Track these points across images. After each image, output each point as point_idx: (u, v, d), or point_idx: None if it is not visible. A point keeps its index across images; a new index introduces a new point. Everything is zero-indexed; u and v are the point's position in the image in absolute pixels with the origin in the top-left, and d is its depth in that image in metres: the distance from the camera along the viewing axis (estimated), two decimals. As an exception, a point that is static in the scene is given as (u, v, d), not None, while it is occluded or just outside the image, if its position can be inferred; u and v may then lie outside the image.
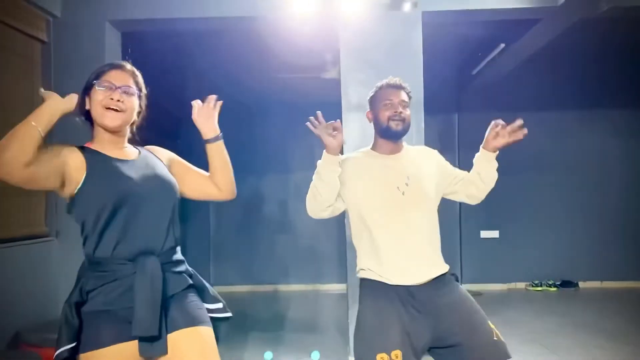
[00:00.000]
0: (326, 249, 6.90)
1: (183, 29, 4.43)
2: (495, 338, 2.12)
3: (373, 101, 2.32)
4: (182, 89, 5.96)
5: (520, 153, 6.74)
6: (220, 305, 1.87)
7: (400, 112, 2.23)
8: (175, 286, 1.74)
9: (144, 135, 1.95)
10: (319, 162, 2.20)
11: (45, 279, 3.80)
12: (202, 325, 1.76)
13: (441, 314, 2.11)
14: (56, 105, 1.64)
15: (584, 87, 6.69)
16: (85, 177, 1.67)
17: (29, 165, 1.55)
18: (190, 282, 1.81)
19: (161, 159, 1.90)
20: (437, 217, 2.28)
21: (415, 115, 4.00)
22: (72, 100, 1.67)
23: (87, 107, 1.77)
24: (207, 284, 1.89)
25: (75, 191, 1.68)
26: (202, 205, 6.85)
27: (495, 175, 2.32)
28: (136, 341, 1.66)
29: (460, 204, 6.82)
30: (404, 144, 2.35)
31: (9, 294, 3.38)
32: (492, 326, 2.15)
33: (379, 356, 2.06)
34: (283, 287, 6.93)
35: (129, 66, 1.83)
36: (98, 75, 1.77)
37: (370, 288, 2.18)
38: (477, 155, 2.32)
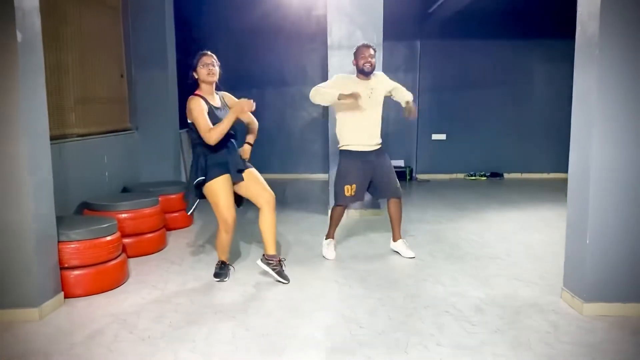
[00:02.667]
0: (313, 148, 8.94)
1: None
2: (397, 186, 4.32)
3: (355, 55, 4.23)
4: (201, 18, 7.74)
5: (466, 74, 8.71)
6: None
7: (369, 60, 4.16)
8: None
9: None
10: (334, 92, 4.04)
11: (129, 158, 5.80)
12: (253, 168, 3.85)
13: (377, 168, 4.24)
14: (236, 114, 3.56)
15: (519, 21, 8.50)
16: (209, 112, 3.58)
17: None
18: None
19: (227, 103, 3.77)
20: (381, 113, 4.32)
21: (377, 52, 5.86)
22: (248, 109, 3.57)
23: (196, 76, 3.66)
24: None
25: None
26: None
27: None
28: (229, 175, 3.68)
29: (419, 115, 8.87)
30: (371, 75, 4.28)
31: (112, 166, 5.37)
32: (397, 182, 4.35)
33: (345, 186, 4.24)
34: (281, 176, 9.03)
35: (209, 53, 3.68)
36: (198, 60, 3.64)
37: (345, 154, 4.28)
38: (401, 100, 4.32)
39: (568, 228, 3.36)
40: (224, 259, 3.93)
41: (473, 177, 8.89)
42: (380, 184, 4.32)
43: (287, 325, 3.06)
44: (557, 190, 7.67)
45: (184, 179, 6.26)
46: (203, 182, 3.68)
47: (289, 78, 8.80)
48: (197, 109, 3.54)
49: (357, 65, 4.23)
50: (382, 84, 4.31)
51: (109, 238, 3.69)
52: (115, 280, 3.70)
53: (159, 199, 4.85)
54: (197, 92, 3.68)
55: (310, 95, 4.18)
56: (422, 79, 8.83)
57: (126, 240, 4.33)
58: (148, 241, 4.50)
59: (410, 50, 8.83)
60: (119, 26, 5.63)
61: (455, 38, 8.59)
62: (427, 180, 8.76)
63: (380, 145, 4.31)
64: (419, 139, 8.99)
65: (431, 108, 8.86)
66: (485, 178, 8.85)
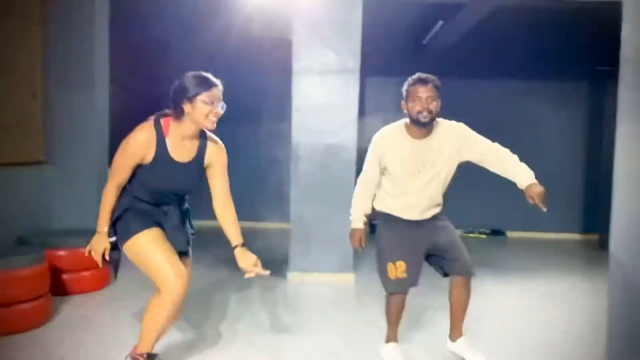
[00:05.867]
0: (270, 189, 7.59)
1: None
2: (466, 258, 2.92)
3: (406, 95, 2.82)
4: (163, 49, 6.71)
5: (465, 116, 7.55)
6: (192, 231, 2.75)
7: (427, 107, 2.75)
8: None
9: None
10: (355, 214, 2.96)
11: (36, 199, 4.62)
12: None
13: (431, 233, 2.91)
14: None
15: (527, 59, 7.47)
16: (152, 161, 2.45)
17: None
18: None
19: (205, 157, 2.56)
20: (447, 183, 2.91)
21: (353, 80, 4.81)
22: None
23: (186, 110, 2.40)
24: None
25: (144, 163, 2.45)
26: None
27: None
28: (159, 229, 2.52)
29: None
30: (435, 124, 2.85)
31: (12, 207, 4.23)
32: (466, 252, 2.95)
33: (389, 265, 2.86)
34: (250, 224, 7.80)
35: (219, 84, 2.46)
36: (203, 90, 2.39)
37: (387, 218, 2.94)
38: (524, 177, 2.87)
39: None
40: (149, 348, 2.52)
41: (472, 235, 7.69)
42: (440, 254, 2.94)
43: None
44: (567, 254, 6.57)
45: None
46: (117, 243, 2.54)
47: (262, 113, 7.70)
48: (129, 145, 2.41)
49: (408, 111, 2.83)
50: (449, 139, 2.88)
51: None
52: None
53: (47, 253, 3.69)
54: (165, 119, 2.48)
55: None
56: (415, 120, 7.73)
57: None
58: (13, 315, 3.28)
59: (402, 89, 7.77)
60: (36, 40, 4.57)
61: (453, 76, 7.49)
62: (418, 236, 7.55)
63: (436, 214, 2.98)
64: (410, 187, 7.82)
65: (424, 153, 7.73)
66: (486, 236, 7.65)
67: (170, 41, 6.93)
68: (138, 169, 2.48)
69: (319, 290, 4.56)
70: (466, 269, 2.92)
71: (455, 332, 3.03)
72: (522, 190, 2.77)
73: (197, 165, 2.56)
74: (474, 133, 2.95)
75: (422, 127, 2.81)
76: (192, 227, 2.75)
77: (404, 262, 2.82)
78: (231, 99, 2.55)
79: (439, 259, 2.96)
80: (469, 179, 7.32)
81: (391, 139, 2.90)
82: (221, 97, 2.46)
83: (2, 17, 4.14)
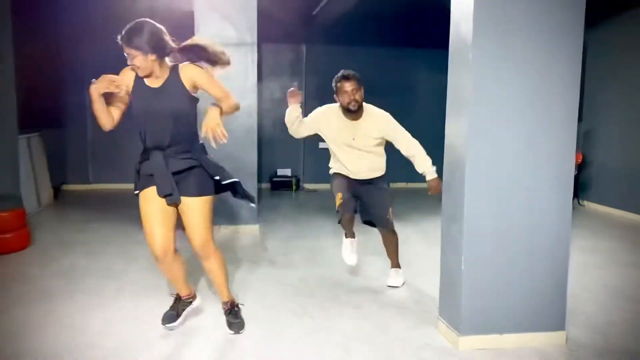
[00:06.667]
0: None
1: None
2: (383, 215, 3.68)
3: (335, 90, 3.55)
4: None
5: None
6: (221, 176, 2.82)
7: (354, 98, 3.48)
8: (177, 166, 2.70)
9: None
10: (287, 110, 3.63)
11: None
12: (200, 196, 2.77)
13: (363, 186, 3.66)
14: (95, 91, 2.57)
15: (404, 29, 8.38)
16: (133, 89, 2.69)
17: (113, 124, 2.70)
18: (193, 164, 2.73)
19: (183, 81, 2.68)
20: (380, 151, 3.68)
21: (251, 52, 5.35)
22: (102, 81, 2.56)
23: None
24: (212, 162, 2.82)
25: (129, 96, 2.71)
26: (79, 114, 7.79)
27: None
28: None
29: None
30: (365, 109, 3.59)
31: None
32: (390, 213, 3.71)
33: (336, 199, 3.55)
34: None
35: (123, 39, 2.58)
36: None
37: (334, 174, 3.72)
38: (427, 170, 3.64)
39: (442, 251, 3.02)
40: (179, 293, 3.12)
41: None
42: (366, 205, 3.73)
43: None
44: (438, 200, 7.62)
45: (24, 193, 5.33)
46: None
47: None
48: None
49: (339, 102, 3.59)
50: (375, 127, 3.61)
51: None
52: None
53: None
54: None
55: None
56: (308, 85, 8.44)
57: None
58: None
59: (295, 55, 8.42)
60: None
61: (340, 44, 8.30)
62: (315, 191, 8.36)
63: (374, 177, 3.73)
64: (306, 147, 8.59)
65: (317, 115, 8.49)
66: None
67: (75, 12, 7.00)
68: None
69: (229, 237, 5.18)
70: (382, 223, 3.72)
71: (391, 264, 3.90)
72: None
73: (173, 87, 2.68)
74: (398, 125, 3.67)
75: (352, 113, 3.56)
76: (208, 167, 2.81)
77: (341, 193, 3.56)
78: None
79: (363, 210, 3.76)
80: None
81: (331, 114, 3.65)
82: (129, 51, 2.58)
83: None
